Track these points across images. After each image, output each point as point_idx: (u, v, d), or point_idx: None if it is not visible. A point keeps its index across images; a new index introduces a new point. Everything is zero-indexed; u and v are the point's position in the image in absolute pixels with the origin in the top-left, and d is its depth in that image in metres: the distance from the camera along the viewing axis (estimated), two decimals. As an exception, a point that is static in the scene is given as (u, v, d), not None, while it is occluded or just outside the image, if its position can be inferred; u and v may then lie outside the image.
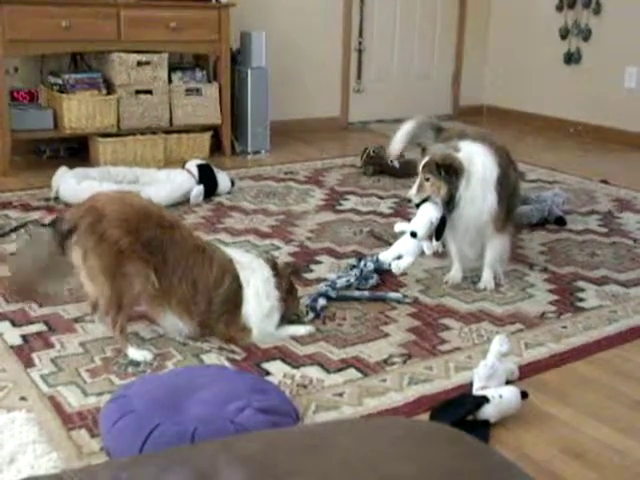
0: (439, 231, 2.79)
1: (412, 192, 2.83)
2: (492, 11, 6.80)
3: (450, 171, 2.75)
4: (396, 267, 2.83)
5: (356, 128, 6.14)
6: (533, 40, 6.44)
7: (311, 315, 2.64)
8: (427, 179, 2.79)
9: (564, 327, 2.66)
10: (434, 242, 2.81)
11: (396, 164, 4.59)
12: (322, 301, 2.71)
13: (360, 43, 6.19)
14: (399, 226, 2.92)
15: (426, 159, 2.81)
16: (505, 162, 2.92)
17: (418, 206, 2.83)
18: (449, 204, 2.78)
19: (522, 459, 1.87)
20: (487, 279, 2.99)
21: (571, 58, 6.18)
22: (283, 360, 2.36)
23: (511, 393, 2.08)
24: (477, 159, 2.82)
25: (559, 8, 6.18)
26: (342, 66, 6.14)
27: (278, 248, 3.33)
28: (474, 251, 2.99)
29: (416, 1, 6.43)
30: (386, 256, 2.85)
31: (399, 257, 2.82)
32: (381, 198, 4.19)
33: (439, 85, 6.75)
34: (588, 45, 6.06)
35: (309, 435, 0.97)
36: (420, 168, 2.82)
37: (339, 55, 6.11)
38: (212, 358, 2.35)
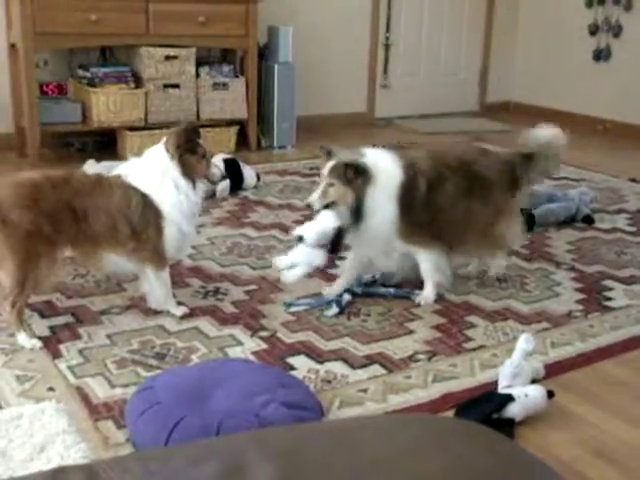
0: (335, 243, 2.56)
1: (314, 197, 2.57)
2: (520, 7, 6.75)
3: (358, 176, 2.54)
4: (285, 277, 2.60)
5: (382, 124, 6.12)
6: (562, 37, 6.38)
7: (335, 310, 2.64)
8: (332, 184, 2.56)
9: (591, 326, 2.64)
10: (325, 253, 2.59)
11: (422, 160, 4.56)
12: (347, 296, 2.71)
13: (387, 38, 6.18)
14: (298, 231, 2.62)
15: (332, 162, 2.58)
16: (417, 171, 2.67)
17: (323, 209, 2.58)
18: (357, 213, 2.56)
19: (547, 458, 1.85)
20: (425, 294, 2.77)
21: (600, 55, 6.11)
22: (308, 355, 2.36)
23: (537, 392, 2.07)
24: (381, 166, 2.62)
25: (589, 4, 6.12)
26: (369, 61, 6.13)
27: (303, 243, 3.33)
28: (393, 263, 2.79)
29: (444, -4, 6.40)
30: (279, 263, 2.62)
31: (292, 266, 2.58)
32: (407, 194, 4.17)
33: (466, 81, 6.72)
34: (618, 42, 5.99)
35: (337, 431, 0.98)
36: (325, 172, 2.59)
37: (366, 50, 6.09)
38: (237, 352, 2.36)
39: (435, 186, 2.68)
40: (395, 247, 2.73)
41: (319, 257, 2.56)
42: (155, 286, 2.57)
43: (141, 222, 2.46)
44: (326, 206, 2.58)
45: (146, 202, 2.46)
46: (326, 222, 2.56)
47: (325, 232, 2.55)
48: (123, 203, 2.43)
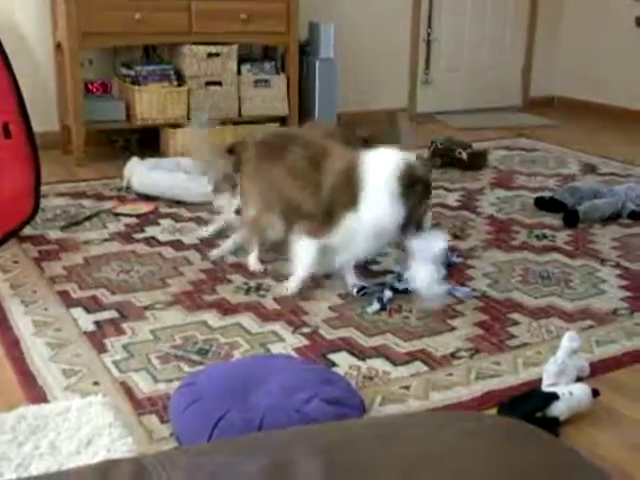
0: None
1: None
2: None
3: None
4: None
5: (424, 119, 6.09)
6: (608, 29, 6.27)
7: (377, 306, 2.64)
8: None
9: (637, 324, 2.59)
10: None
11: (464, 156, 4.54)
12: (388, 293, 2.70)
13: (429, 34, 6.13)
14: None
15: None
16: None
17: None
18: None
19: (592, 458, 1.83)
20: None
21: (647, 48, 6.00)
22: (349, 351, 2.36)
23: (582, 390, 2.05)
24: None
25: (636, -4, 6.01)
26: (410, 57, 6.10)
27: (345, 240, 3.33)
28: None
29: (486, -10, 6.34)
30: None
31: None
32: (448, 190, 4.15)
33: (509, 76, 6.64)
34: (666, 34, 5.88)
35: (381, 427, 0.98)
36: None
37: (407, 46, 6.06)
38: (279, 348, 2.38)
39: None
40: None
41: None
42: None
43: None
44: None
45: None
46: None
47: None
48: None
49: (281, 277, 2.91)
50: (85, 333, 2.44)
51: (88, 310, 2.60)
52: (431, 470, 0.85)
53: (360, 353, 2.36)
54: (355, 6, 5.66)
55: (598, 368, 2.29)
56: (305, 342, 2.42)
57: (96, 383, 2.15)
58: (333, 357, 2.33)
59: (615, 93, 6.21)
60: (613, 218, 3.65)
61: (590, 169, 4.65)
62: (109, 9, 4.33)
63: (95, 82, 4.78)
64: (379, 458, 0.85)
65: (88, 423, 1.86)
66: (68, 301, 2.67)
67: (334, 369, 2.24)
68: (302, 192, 2.71)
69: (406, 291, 2.76)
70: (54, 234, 3.33)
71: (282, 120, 5.01)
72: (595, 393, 2.06)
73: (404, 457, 0.86)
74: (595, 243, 3.36)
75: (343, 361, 2.30)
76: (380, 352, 2.36)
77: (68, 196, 3.89)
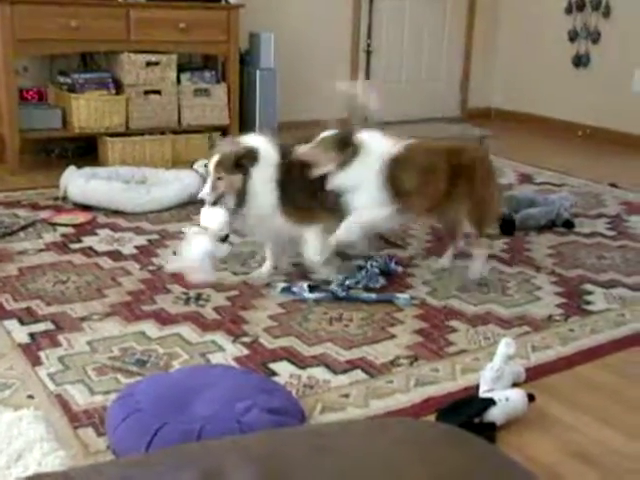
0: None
1: (205, 192, 2.73)
2: (501, 14, 6.80)
3: (248, 162, 2.71)
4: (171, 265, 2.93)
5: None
6: (542, 43, 6.43)
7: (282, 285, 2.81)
8: (220, 177, 2.71)
9: (571, 330, 2.65)
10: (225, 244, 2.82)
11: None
12: (307, 294, 2.80)
13: (369, 45, 6.20)
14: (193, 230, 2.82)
15: (216, 156, 2.73)
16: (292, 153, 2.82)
17: (214, 204, 2.74)
18: (241, 199, 2.74)
19: (528, 462, 1.86)
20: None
21: (580, 61, 6.17)
22: (290, 360, 2.36)
23: (518, 396, 2.08)
24: (261, 150, 2.76)
25: (568, 11, 6.17)
26: (350, 67, 6.15)
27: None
28: (282, 248, 3.02)
29: (425, 3, 6.44)
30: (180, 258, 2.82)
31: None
32: (388, 200, 4.18)
33: (448, 87, 6.75)
34: (597, 48, 6.05)
35: (317, 435, 0.98)
36: (212, 167, 2.72)
37: (347, 56, 6.11)
38: (219, 358, 2.36)
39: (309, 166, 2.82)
40: (282, 229, 2.86)
41: (220, 250, 2.79)
42: None
43: None
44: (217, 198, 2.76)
45: None
46: (219, 218, 2.73)
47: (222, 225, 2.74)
48: None
49: (220, 288, 2.89)
50: (19, 345, 2.38)
51: (22, 322, 2.54)
52: (364, 478, 0.85)
53: (300, 362, 2.35)
54: (296, 17, 5.68)
55: (534, 373, 2.33)
56: (245, 352, 2.41)
57: (30, 396, 2.10)
58: (274, 366, 2.32)
59: (548, 105, 6.36)
60: (548, 226, 3.73)
61: (526, 179, 4.75)
62: (45, 16, 4.26)
63: (30, 90, 4.69)
64: (312, 467, 0.85)
65: (19, 437, 1.81)
66: (1, 313, 2.60)
67: (274, 378, 2.23)
68: None
69: (347, 299, 2.77)
70: (-13, 245, 3.25)
71: (223, 130, 4.99)
72: (531, 398, 2.10)
73: (336, 466, 0.86)
74: (531, 251, 3.43)
75: (283, 370, 2.30)
76: (320, 361, 2.36)
77: (2, 205, 3.80)
